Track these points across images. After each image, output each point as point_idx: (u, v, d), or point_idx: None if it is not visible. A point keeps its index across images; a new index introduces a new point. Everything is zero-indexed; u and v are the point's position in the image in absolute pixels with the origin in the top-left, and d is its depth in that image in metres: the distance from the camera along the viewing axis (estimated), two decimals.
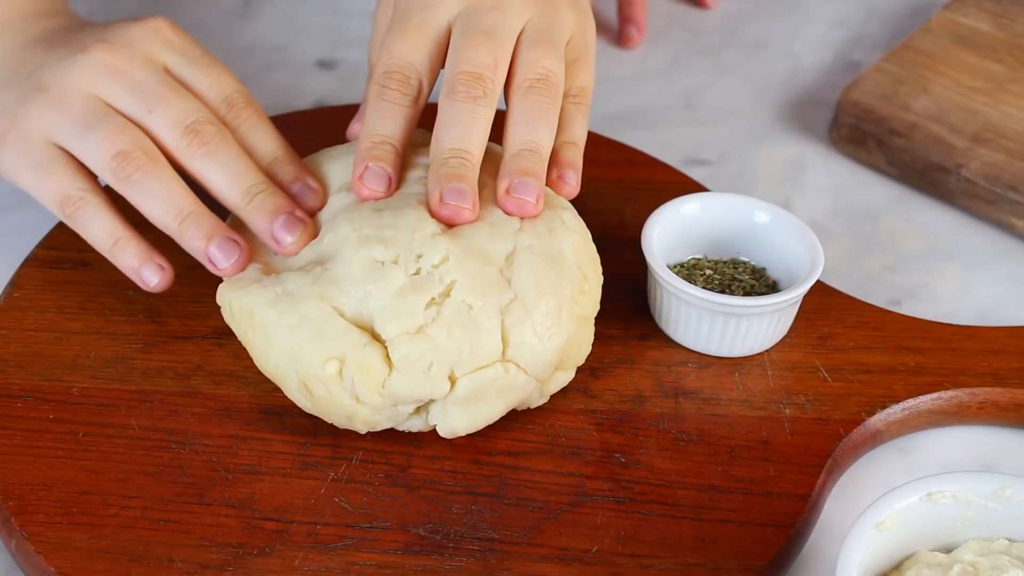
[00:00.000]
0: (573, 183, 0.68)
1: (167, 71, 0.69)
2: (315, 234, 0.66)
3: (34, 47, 0.71)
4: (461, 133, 0.65)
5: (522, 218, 0.65)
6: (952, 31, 0.91)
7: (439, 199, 0.64)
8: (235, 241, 0.66)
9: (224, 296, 0.65)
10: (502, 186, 0.65)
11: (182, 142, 0.67)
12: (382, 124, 0.67)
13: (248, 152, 0.69)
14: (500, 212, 0.65)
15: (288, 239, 0.66)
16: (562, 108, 0.68)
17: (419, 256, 0.63)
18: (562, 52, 0.68)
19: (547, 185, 0.67)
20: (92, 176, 0.68)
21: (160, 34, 0.70)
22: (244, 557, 0.60)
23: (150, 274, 0.68)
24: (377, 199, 0.66)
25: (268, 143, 0.70)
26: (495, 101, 0.66)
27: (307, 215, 0.67)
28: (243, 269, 0.66)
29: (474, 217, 0.64)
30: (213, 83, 0.70)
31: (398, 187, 0.66)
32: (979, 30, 0.91)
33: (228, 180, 0.67)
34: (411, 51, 0.67)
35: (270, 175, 0.68)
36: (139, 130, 0.67)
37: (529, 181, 0.64)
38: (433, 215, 0.64)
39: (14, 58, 0.71)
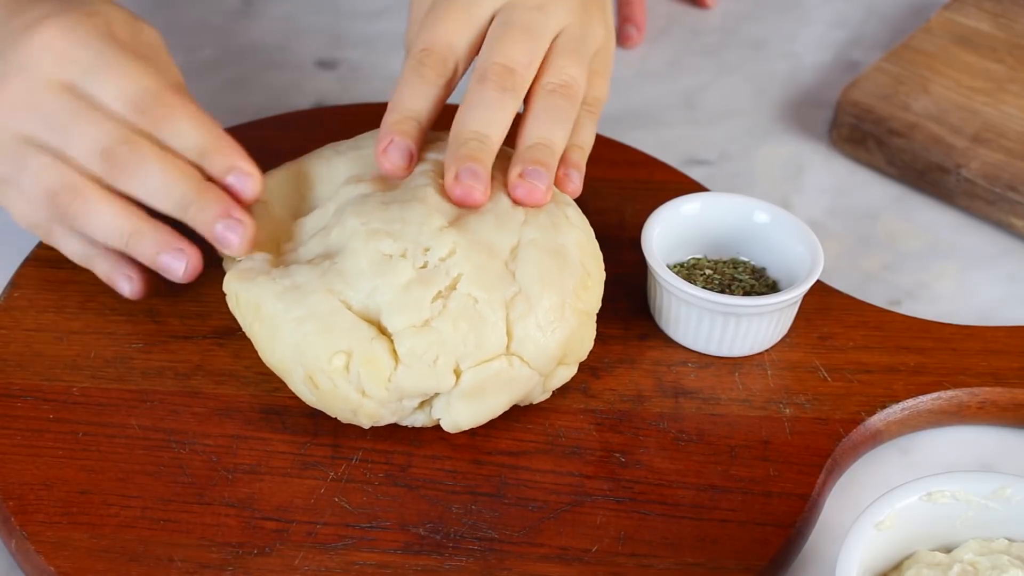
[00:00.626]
0: (576, 182, 0.69)
1: (72, 89, 0.66)
2: (255, 230, 0.66)
3: None
4: (485, 118, 0.66)
5: (529, 206, 0.66)
6: (952, 31, 0.91)
7: (454, 177, 0.65)
8: (181, 249, 0.66)
9: (231, 286, 0.65)
10: (514, 171, 0.66)
11: (102, 168, 0.65)
12: (413, 99, 0.67)
13: (172, 152, 0.66)
14: (506, 204, 0.65)
15: (233, 241, 0.65)
16: (577, 116, 0.69)
17: (426, 249, 0.63)
18: (587, 64, 0.70)
19: (556, 183, 0.68)
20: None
21: (53, 49, 0.66)
22: (244, 557, 0.60)
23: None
24: (397, 176, 0.67)
25: (189, 137, 0.66)
26: (521, 97, 0.67)
27: (245, 213, 0.66)
28: (198, 272, 0.66)
29: (484, 200, 0.65)
30: (118, 92, 0.66)
31: (417, 164, 0.67)
32: (979, 30, 0.92)
33: (157, 197, 0.65)
34: (452, 33, 0.68)
35: (201, 169, 0.66)
36: (62, 165, 0.66)
37: (541, 170, 0.66)
38: (446, 193, 0.65)
39: None
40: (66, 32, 0.66)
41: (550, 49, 0.69)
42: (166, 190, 0.65)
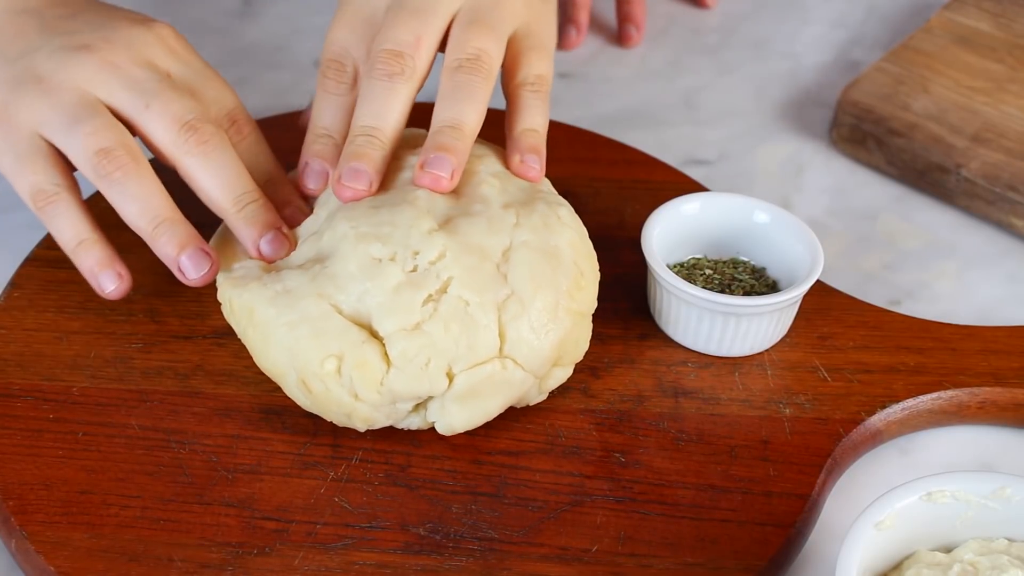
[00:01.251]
0: (536, 167, 0.67)
1: (169, 76, 0.69)
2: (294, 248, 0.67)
3: (30, 21, 0.70)
4: (374, 111, 0.65)
5: (436, 192, 0.65)
6: (952, 31, 0.91)
7: (338, 178, 0.65)
8: (206, 253, 0.66)
9: (224, 293, 0.65)
10: (418, 162, 0.65)
11: (179, 138, 0.66)
12: (321, 116, 0.69)
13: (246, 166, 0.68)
14: (496, 208, 0.65)
15: (272, 255, 0.66)
16: (516, 97, 0.68)
17: (416, 253, 0.63)
18: (501, 35, 0.67)
19: (512, 171, 0.67)
20: (71, 175, 0.68)
21: (165, 41, 0.70)
22: (244, 557, 0.60)
23: (107, 280, 0.67)
24: (318, 195, 0.68)
25: (266, 163, 0.70)
26: (415, 80, 0.66)
27: (292, 234, 0.67)
28: (211, 280, 0.66)
29: (369, 194, 0.65)
30: (217, 96, 0.69)
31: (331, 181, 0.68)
32: (979, 30, 0.91)
33: (221, 183, 0.66)
34: (346, 36, 0.68)
35: (264, 193, 0.68)
36: (126, 129, 0.66)
37: (443, 156, 0.64)
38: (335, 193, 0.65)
39: (8, 24, 0.69)
40: (179, 36, 0.71)
41: (451, 26, 0.67)
42: (234, 180, 0.66)
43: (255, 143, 0.70)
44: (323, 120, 0.69)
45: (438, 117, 0.65)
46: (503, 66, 0.68)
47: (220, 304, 0.66)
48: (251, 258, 0.67)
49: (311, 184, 0.68)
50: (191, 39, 0.95)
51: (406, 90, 0.65)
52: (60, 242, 0.67)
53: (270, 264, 0.66)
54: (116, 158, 0.65)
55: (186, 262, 0.66)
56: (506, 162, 0.67)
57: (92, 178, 0.66)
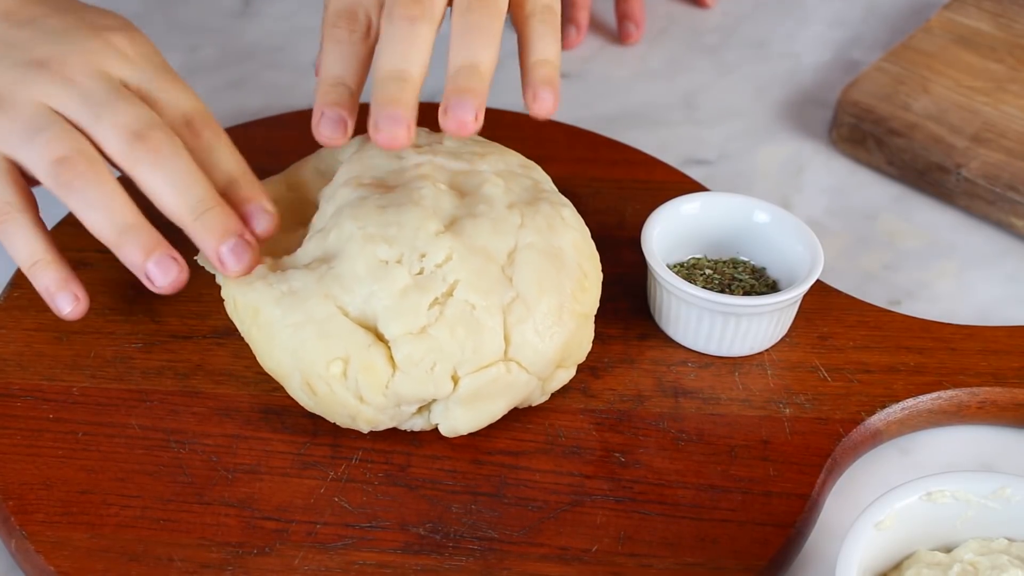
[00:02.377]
0: (550, 100, 0.65)
1: (124, 85, 0.67)
2: (259, 260, 0.65)
3: None
4: (398, 52, 0.64)
5: (461, 137, 0.64)
6: (952, 31, 0.91)
7: (374, 125, 0.63)
8: (174, 259, 0.64)
9: (228, 291, 0.65)
10: (441, 108, 0.63)
11: (129, 147, 0.64)
12: (333, 66, 0.66)
13: (204, 170, 0.66)
14: (501, 209, 0.65)
15: (234, 265, 0.64)
16: (527, 27, 0.66)
17: (423, 255, 0.63)
18: None
19: (525, 106, 0.65)
20: (29, 193, 0.66)
21: (116, 48, 0.67)
22: (244, 556, 0.60)
23: (64, 302, 0.65)
24: (334, 146, 0.66)
25: (226, 163, 0.67)
26: (436, 21, 0.65)
27: (256, 239, 0.65)
28: (181, 287, 0.64)
29: (408, 142, 0.63)
30: (171, 100, 0.67)
31: (355, 131, 0.66)
32: (979, 30, 0.91)
33: (175, 191, 0.64)
34: None
35: (225, 196, 0.66)
36: (84, 137, 0.65)
37: (466, 98, 0.62)
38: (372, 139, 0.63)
39: None
40: (133, 37, 0.69)
41: None
42: (188, 188, 0.64)
43: (214, 145, 0.67)
44: (336, 69, 0.66)
45: (454, 60, 0.64)
46: (510, 1, 0.67)
47: (221, 302, 0.66)
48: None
49: (328, 132, 0.65)
50: (191, 39, 0.95)
51: (428, 32, 0.64)
52: (17, 262, 0.66)
53: (275, 261, 0.66)
54: (74, 165, 0.63)
55: (153, 269, 0.63)
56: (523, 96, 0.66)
57: (52, 187, 0.64)
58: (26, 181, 0.66)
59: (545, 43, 0.66)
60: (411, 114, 0.63)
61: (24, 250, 0.65)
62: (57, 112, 0.65)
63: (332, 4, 0.67)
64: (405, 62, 0.63)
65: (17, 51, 0.67)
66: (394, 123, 0.62)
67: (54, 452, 0.64)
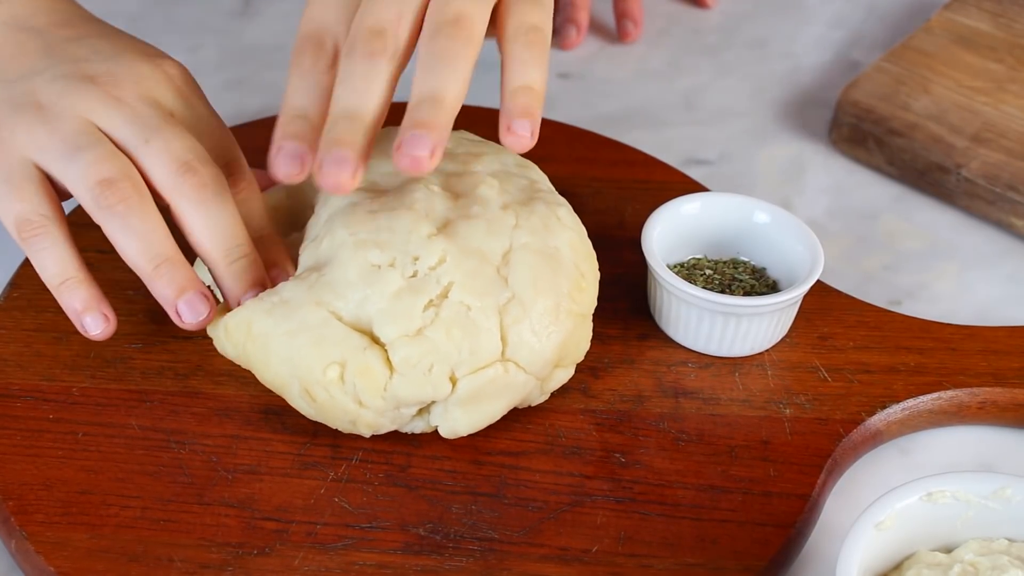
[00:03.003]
0: (526, 134, 0.60)
1: (172, 116, 0.66)
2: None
3: (33, 41, 0.67)
4: (354, 90, 0.60)
5: (416, 175, 0.60)
6: (952, 31, 0.91)
7: (319, 166, 0.59)
8: (205, 296, 0.64)
9: (218, 326, 0.64)
10: (396, 142, 0.59)
11: (177, 178, 0.63)
12: (295, 97, 0.63)
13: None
14: (495, 209, 0.65)
15: (194, 320, 0.64)
16: (510, 49, 0.62)
17: (416, 258, 0.63)
18: None
19: (500, 139, 0.61)
20: (61, 208, 0.65)
21: (172, 80, 0.67)
22: (244, 557, 0.60)
23: (92, 323, 0.64)
24: (292, 181, 0.62)
25: (259, 220, 0.67)
26: (397, 58, 0.61)
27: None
28: (207, 326, 0.64)
29: (353, 185, 0.60)
30: (218, 144, 0.67)
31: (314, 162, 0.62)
32: (979, 30, 0.91)
33: (214, 232, 0.63)
34: (324, 14, 0.63)
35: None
36: (129, 161, 0.64)
37: (420, 133, 0.58)
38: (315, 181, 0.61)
39: (8, 41, 0.67)
40: (187, 75, 0.68)
41: None
42: (225, 234, 0.64)
43: (252, 197, 0.67)
44: (298, 100, 0.62)
45: (416, 90, 0.60)
46: (494, 23, 0.63)
47: (213, 338, 0.65)
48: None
49: (284, 168, 0.61)
50: (191, 39, 0.95)
51: (388, 70, 0.61)
52: (44, 277, 0.64)
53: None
54: (120, 190, 0.62)
55: (184, 307, 0.63)
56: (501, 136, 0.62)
57: (92, 209, 0.63)
58: (57, 196, 0.65)
59: (527, 68, 0.61)
60: (358, 157, 0.60)
61: (54, 267, 0.64)
62: (102, 131, 0.64)
63: (301, 29, 0.64)
64: (360, 101, 0.60)
65: (66, 63, 0.66)
66: (338, 166, 0.59)
67: (54, 452, 0.64)
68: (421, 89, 0.60)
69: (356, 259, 0.63)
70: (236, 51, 0.94)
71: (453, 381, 0.62)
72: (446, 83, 0.60)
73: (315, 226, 0.67)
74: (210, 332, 0.65)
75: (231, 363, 0.68)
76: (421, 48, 0.61)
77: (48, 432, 0.65)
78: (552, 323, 0.63)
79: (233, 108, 0.88)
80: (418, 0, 0.62)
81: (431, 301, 0.62)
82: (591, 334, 0.67)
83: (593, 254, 0.67)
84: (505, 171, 0.68)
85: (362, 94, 0.60)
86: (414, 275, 0.62)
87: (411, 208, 0.64)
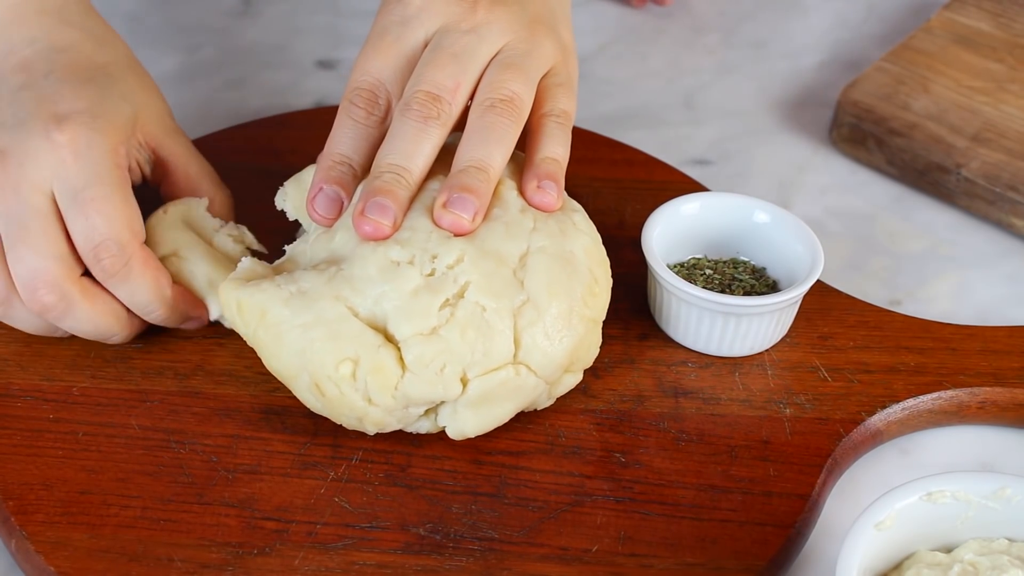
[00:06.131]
0: (554, 194, 0.65)
1: (52, 199, 0.64)
2: None
3: None
4: (404, 150, 0.64)
5: (456, 235, 0.63)
6: (952, 31, 0.91)
7: (361, 211, 0.63)
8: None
9: (231, 293, 0.64)
10: (440, 199, 0.63)
11: (29, 297, 0.64)
12: (342, 142, 0.66)
13: (118, 302, 0.67)
14: (515, 211, 0.65)
15: None
16: (541, 126, 0.67)
17: (434, 257, 0.63)
18: (533, 79, 0.67)
19: (525, 196, 0.66)
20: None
21: (58, 154, 0.64)
22: (244, 557, 0.60)
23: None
24: (326, 225, 0.65)
25: (140, 296, 0.66)
26: (449, 124, 0.65)
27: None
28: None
29: (391, 233, 0.63)
30: (87, 228, 0.64)
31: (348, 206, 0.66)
32: (979, 30, 0.92)
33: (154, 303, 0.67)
34: (382, 68, 0.66)
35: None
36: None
37: (467, 197, 0.63)
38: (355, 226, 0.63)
39: None
40: (76, 144, 0.65)
41: (488, 67, 0.66)
42: (100, 333, 0.67)
43: (123, 280, 0.66)
44: (343, 147, 0.66)
45: (465, 155, 0.64)
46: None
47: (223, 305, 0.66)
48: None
49: (323, 210, 0.65)
50: (191, 39, 0.95)
51: (438, 135, 0.64)
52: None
53: (274, 265, 0.66)
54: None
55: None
56: (522, 188, 0.66)
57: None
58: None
59: (556, 142, 0.66)
60: (399, 209, 0.63)
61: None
62: None
63: (356, 78, 0.66)
64: (408, 160, 0.64)
65: None
66: (381, 212, 0.63)
67: (54, 452, 0.64)
68: (470, 156, 0.64)
69: (376, 255, 0.63)
70: (236, 51, 0.94)
71: (464, 382, 0.62)
72: (494, 155, 0.64)
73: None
74: (224, 299, 0.64)
75: (231, 363, 0.68)
76: (474, 118, 0.65)
77: (48, 432, 0.65)
78: (565, 327, 0.63)
79: (233, 108, 0.88)
80: (475, 73, 0.65)
81: (447, 300, 0.62)
82: (600, 339, 0.67)
83: (606, 260, 0.67)
84: (521, 174, 0.68)
85: (410, 155, 0.64)
86: (432, 273, 0.62)
87: (431, 208, 0.64)
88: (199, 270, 0.68)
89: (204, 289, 0.68)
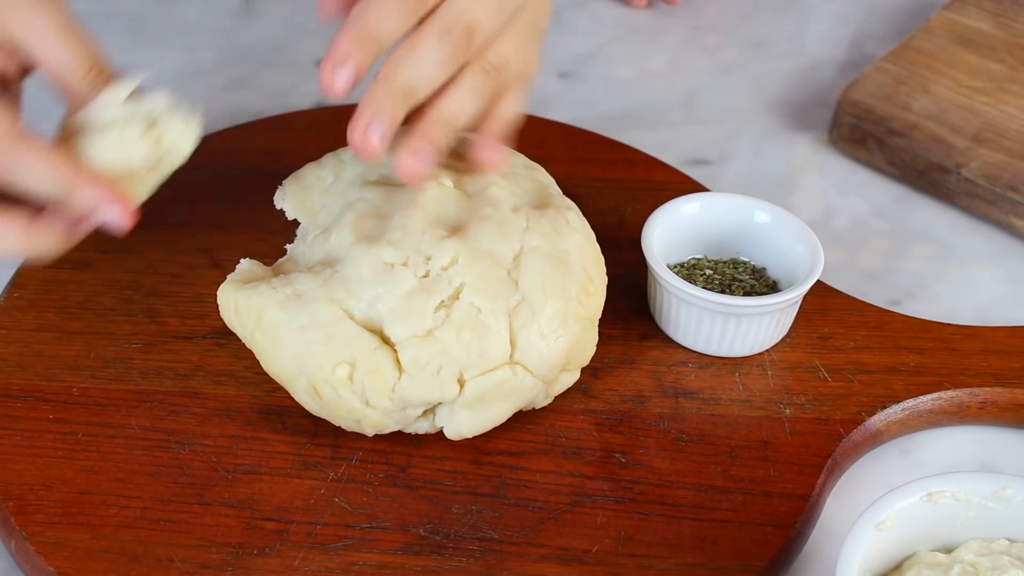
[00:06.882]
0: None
1: None
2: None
3: None
4: (464, 108, 0.63)
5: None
6: (952, 31, 0.91)
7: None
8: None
9: (228, 295, 0.64)
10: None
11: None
12: (379, 22, 0.61)
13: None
14: (507, 211, 0.65)
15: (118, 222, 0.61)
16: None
17: (428, 258, 0.63)
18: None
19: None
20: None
21: None
22: (244, 557, 0.60)
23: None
24: (336, 95, 0.61)
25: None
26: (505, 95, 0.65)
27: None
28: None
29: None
30: None
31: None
32: (979, 30, 0.91)
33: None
34: (490, 16, 0.62)
35: None
36: None
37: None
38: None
39: None
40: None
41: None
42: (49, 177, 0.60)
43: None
44: (380, 27, 0.61)
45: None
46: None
47: (220, 306, 0.66)
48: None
49: (340, 82, 0.61)
50: (191, 39, 0.95)
51: (490, 102, 0.64)
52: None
53: (269, 265, 0.66)
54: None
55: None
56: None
57: None
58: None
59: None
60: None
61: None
62: None
63: (449, 14, 0.61)
64: (463, 115, 0.63)
65: None
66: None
67: (54, 452, 0.64)
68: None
69: (369, 257, 0.63)
70: (236, 51, 0.94)
71: (461, 383, 0.62)
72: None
73: (322, 215, 0.67)
74: (221, 299, 0.64)
75: (231, 363, 0.68)
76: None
77: (48, 432, 0.65)
78: (560, 327, 0.63)
79: (233, 108, 0.88)
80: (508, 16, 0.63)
81: (443, 302, 0.62)
82: (597, 338, 0.67)
83: (601, 258, 0.67)
84: (513, 172, 0.68)
85: (466, 111, 0.63)
86: (426, 275, 0.62)
87: (424, 207, 0.64)
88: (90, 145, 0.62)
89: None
